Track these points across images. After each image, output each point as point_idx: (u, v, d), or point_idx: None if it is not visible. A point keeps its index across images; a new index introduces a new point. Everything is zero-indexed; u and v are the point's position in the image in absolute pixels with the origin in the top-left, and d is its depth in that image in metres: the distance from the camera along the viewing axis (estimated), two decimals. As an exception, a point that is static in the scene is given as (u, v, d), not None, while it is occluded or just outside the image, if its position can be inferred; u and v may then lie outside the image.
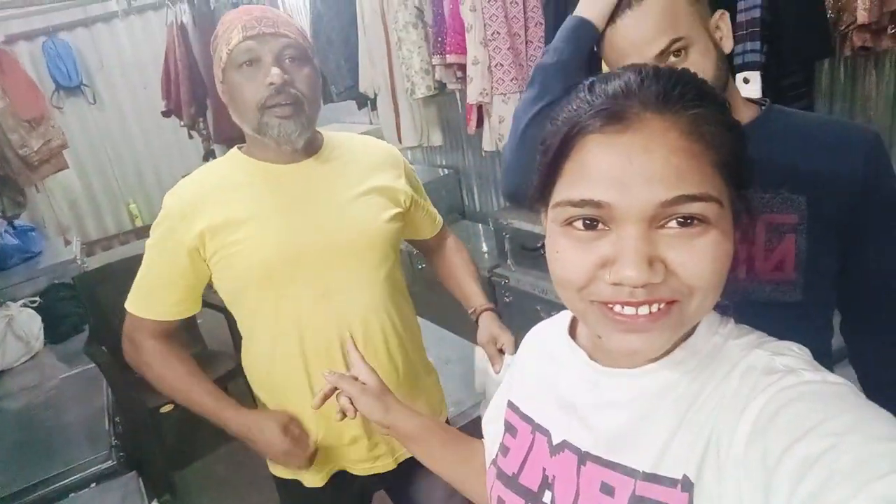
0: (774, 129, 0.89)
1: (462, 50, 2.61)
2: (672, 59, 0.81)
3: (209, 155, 3.75)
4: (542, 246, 3.04)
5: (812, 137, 0.87)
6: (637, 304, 0.46)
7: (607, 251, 0.47)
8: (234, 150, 1.20)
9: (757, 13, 1.67)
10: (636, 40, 0.81)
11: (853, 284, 0.93)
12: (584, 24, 0.90)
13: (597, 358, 0.58)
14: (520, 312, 3.10)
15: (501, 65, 2.57)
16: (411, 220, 1.32)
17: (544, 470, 0.59)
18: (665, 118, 0.45)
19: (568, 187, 0.49)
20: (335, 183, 1.16)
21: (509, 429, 0.66)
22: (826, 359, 0.93)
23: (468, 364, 2.40)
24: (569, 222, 0.49)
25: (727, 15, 0.87)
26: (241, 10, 1.08)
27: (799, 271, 0.86)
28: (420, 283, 3.23)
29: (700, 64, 0.81)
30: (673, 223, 0.45)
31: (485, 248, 3.38)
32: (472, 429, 1.91)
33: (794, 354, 0.49)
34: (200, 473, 2.75)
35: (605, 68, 0.93)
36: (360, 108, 3.72)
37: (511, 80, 2.59)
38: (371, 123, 4.01)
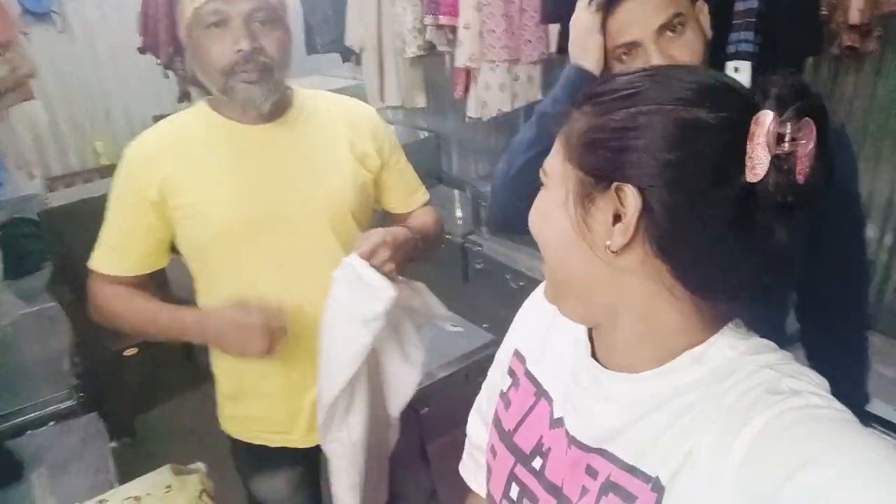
0: None
1: (456, 12, 2.55)
2: (669, 34, 0.85)
3: (184, 97, 3.61)
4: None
5: None
6: None
7: None
8: (202, 102, 1.15)
9: (755, 3, 1.67)
10: (642, 14, 0.85)
11: (809, 270, 0.97)
12: (583, 74, 0.94)
13: (599, 356, 0.58)
14: (489, 279, 3.14)
15: (493, 31, 2.53)
16: (382, 186, 1.25)
17: (541, 437, 0.60)
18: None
19: None
20: (300, 148, 1.12)
21: (514, 381, 0.66)
22: (779, 337, 0.97)
23: (435, 331, 2.43)
24: None
25: (706, 6, 0.92)
26: None
27: None
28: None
29: (693, 42, 0.87)
30: None
31: (459, 215, 3.39)
32: (440, 390, 1.93)
33: (805, 379, 0.48)
34: (163, 419, 2.74)
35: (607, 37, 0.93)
36: (343, 61, 3.63)
37: (501, 48, 2.56)
38: (354, 79, 3.92)
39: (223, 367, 1.23)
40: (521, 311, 0.74)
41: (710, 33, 0.91)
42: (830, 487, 0.39)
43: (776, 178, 0.42)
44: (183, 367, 2.89)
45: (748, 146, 0.42)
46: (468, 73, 2.70)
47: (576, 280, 0.52)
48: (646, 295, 0.50)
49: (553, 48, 2.58)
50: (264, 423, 1.23)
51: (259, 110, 1.07)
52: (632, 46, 0.87)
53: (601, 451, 0.54)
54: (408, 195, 1.29)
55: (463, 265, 3.13)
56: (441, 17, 2.63)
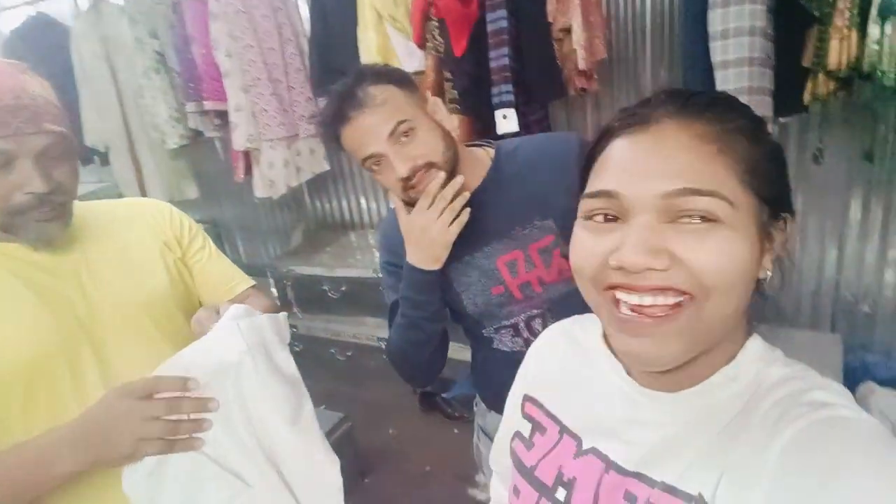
0: (507, 174, 1.03)
1: (221, 96, 2.48)
2: (402, 139, 0.92)
3: None
4: (327, 289, 2.98)
5: (535, 166, 1.02)
6: (640, 290, 0.47)
7: (616, 240, 0.48)
8: None
9: (506, 60, 1.97)
10: (370, 128, 0.92)
11: None
12: (428, 273, 0.98)
13: (634, 375, 0.58)
14: (314, 359, 3.01)
15: (266, 110, 2.52)
16: (196, 278, 1.13)
17: (560, 468, 0.60)
18: (680, 121, 0.49)
19: (590, 183, 0.52)
20: (98, 258, 1.00)
21: (536, 426, 0.65)
22: None
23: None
24: (590, 216, 0.51)
25: (439, 100, 1.04)
26: None
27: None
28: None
29: (429, 140, 0.94)
30: (684, 219, 0.47)
31: (263, 302, 3.21)
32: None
33: (834, 391, 0.49)
34: None
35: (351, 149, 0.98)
36: (84, 164, 3.22)
37: (278, 126, 2.55)
38: (101, 181, 3.49)
39: None
40: (526, 361, 0.75)
41: (449, 123, 1.01)
42: (864, 496, 0.40)
43: None
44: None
45: None
46: (247, 155, 2.62)
47: (732, 318, 0.50)
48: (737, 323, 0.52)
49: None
50: None
51: (52, 245, 0.94)
52: (376, 158, 0.93)
53: (639, 476, 0.53)
54: (222, 284, 1.16)
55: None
56: (206, 102, 2.53)
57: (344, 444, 2.20)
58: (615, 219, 0.50)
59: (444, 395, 2.58)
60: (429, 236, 0.95)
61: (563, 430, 0.63)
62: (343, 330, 2.85)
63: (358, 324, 2.81)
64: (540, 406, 0.67)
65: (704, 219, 0.46)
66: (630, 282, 0.48)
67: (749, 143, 0.49)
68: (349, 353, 2.87)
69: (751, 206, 0.48)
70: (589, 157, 0.55)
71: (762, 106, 1.58)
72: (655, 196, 0.47)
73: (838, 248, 2.12)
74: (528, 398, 0.69)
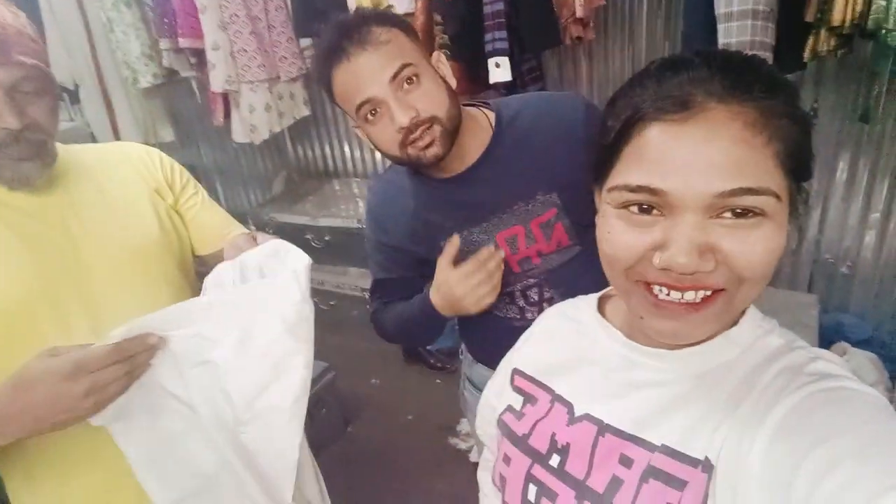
0: (508, 145, 0.96)
1: (197, 33, 2.35)
2: (406, 85, 0.85)
3: None
4: (311, 238, 2.94)
5: (538, 135, 0.95)
6: (682, 289, 0.46)
7: (659, 236, 0.46)
8: None
9: (500, 6, 1.88)
10: (371, 69, 0.84)
11: None
12: (444, 316, 0.98)
13: (634, 338, 0.58)
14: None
15: (245, 50, 2.40)
16: (189, 225, 1.10)
17: (553, 435, 0.60)
18: (730, 108, 0.44)
19: (626, 172, 0.48)
20: (85, 203, 0.97)
21: (528, 398, 0.65)
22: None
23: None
24: (624, 206, 0.48)
25: (443, 56, 0.94)
26: None
27: (571, 237, 0.99)
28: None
29: (434, 92, 0.87)
30: (728, 214, 0.45)
31: (244, 249, 3.16)
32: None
33: (834, 362, 0.49)
34: None
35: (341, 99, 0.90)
36: (53, 102, 3.06)
37: (258, 67, 2.44)
38: (72, 120, 3.34)
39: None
40: (523, 336, 0.74)
41: (453, 81, 0.93)
42: (855, 453, 0.40)
43: None
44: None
45: None
46: (226, 98, 2.52)
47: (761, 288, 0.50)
48: None
49: (309, 63, 2.55)
50: None
51: (31, 186, 0.89)
52: (374, 104, 0.86)
53: (636, 439, 0.53)
54: (216, 231, 1.12)
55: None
56: (181, 39, 2.40)
57: (327, 392, 2.22)
58: (651, 210, 0.47)
59: (427, 346, 2.59)
60: (461, 304, 0.93)
61: (555, 398, 0.62)
62: (327, 279, 2.83)
63: (342, 273, 2.79)
64: (529, 378, 0.66)
65: (752, 213, 0.45)
66: (671, 282, 0.47)
67: (790, 122, 0.46)
68: (332, 303, 2.86)
69: (789, 191, 0.47)
70: (615, 140, 0.49)
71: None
72: (708, 195, 0.44)
73: (822, 208, 2.14)
74: (517, 371, 0.69)
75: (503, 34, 1.92)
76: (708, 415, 0.50)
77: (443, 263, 0.95)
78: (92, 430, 0.81)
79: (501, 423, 0.67)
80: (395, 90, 0.85)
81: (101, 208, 0.98)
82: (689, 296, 0.47)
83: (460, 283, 0.92)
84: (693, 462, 0.49)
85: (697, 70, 0.46)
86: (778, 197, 0.45)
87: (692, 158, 0.44)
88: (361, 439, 2.31)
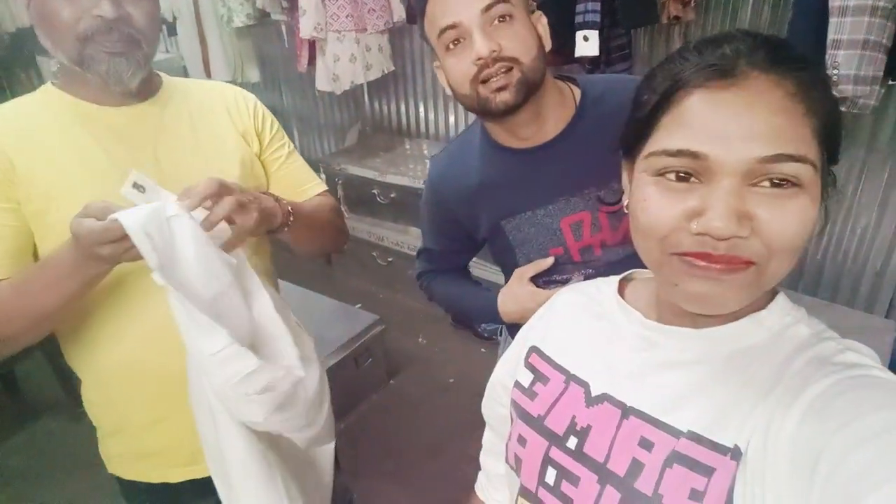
0: (589, 124, 0.92)
1: (292, -23, 2.39)
2: (496, 22, 0.82)
3: None
4: (377, 193, 2.99)
5: (623, 119, 0.96)
6: (716, 261, 0.46)
7: (696, 203, 0.46)
8: (47, 85, 0.96)
9: (597, -25, 1.81)
10: None
11: None
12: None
13: (654, 318, 0.58)
14: (355, 259, 3.08)
15: (336, -1, 2.42)
16: (267, 176, 1.13)
17: (573, 417, 0.59)
18: (771, 78, 0.46)
19: (666, 138, 0.48)
20: (176, 127, 1.00)
21: (539, 376, 0.65)
22: None
23: (317, 317, 2.33)
24: (661, 172, 0.48)
25: (544, 18, 0.90)
26: None
27: None
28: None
29: (524, 37, 0.83)
30: (766, 182, 0.45)
31: (312, 195, 3.25)
32: (331, 378, 1.82)
33: (865, 353, 0.49)
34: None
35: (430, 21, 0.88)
36: (153, 33, 3.20)
37: (346, 17, 2.46)
38: (168, 52, 3.49)
39: (99, 400, 1.04)
40: (537, 315, 0.74)
41: (549, 44, 0.89)
42: (871, 439, 0.40)
43: None
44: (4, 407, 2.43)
45: None
46: (313, 45, 2.56)
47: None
48: None
49: (396, 17, 2.54)
50: (161, 458, 1.06)
51: (125, 86, 0.91)
52: (459, 31, 0.83)
53: (660, 423, 0.53)
54: (295, 186, 1.15)
55: (326, 247, 3.03)
56: (276, -18, 2.44)
57: (376, 344, 2.29)
58: (689, 177, 0.47)
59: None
60: (523, 315, 0.95)
61: (569, 378, 0.62)
62: (387, 235, 2.88)
63: (402, 232, 2.83)
64: (546, 358, 0.66)
65: (789, 183, 0.45)
66: (707, 250, 0.46)
67: (827, 99, 0.47)
68: (390, 259, 2.92)
69: (823, 164, 0.48)
70: (653, 110, 0.49)
71: (875, 64, 1.42)
72: (748, 160, 0.45)
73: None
74: (534, 349, 0.68)
75: (597, 6, 1.85)
76: (738, 400, 0.49)
77: (524, 277, 0.97)
78: (140, 293, 0.92)
79: (514, 404, 0.67)
80: (485, 23, 0.82)
81: (191, 140, 1.01)
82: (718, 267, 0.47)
83: (531, 296, 0.95)
84: (722, 450, 0.49)
85: (740, 42, 0.47)
86: (815, 167, 0.46)
87: (734, 124, 0.45)
88: (402, 393, 2.38)
